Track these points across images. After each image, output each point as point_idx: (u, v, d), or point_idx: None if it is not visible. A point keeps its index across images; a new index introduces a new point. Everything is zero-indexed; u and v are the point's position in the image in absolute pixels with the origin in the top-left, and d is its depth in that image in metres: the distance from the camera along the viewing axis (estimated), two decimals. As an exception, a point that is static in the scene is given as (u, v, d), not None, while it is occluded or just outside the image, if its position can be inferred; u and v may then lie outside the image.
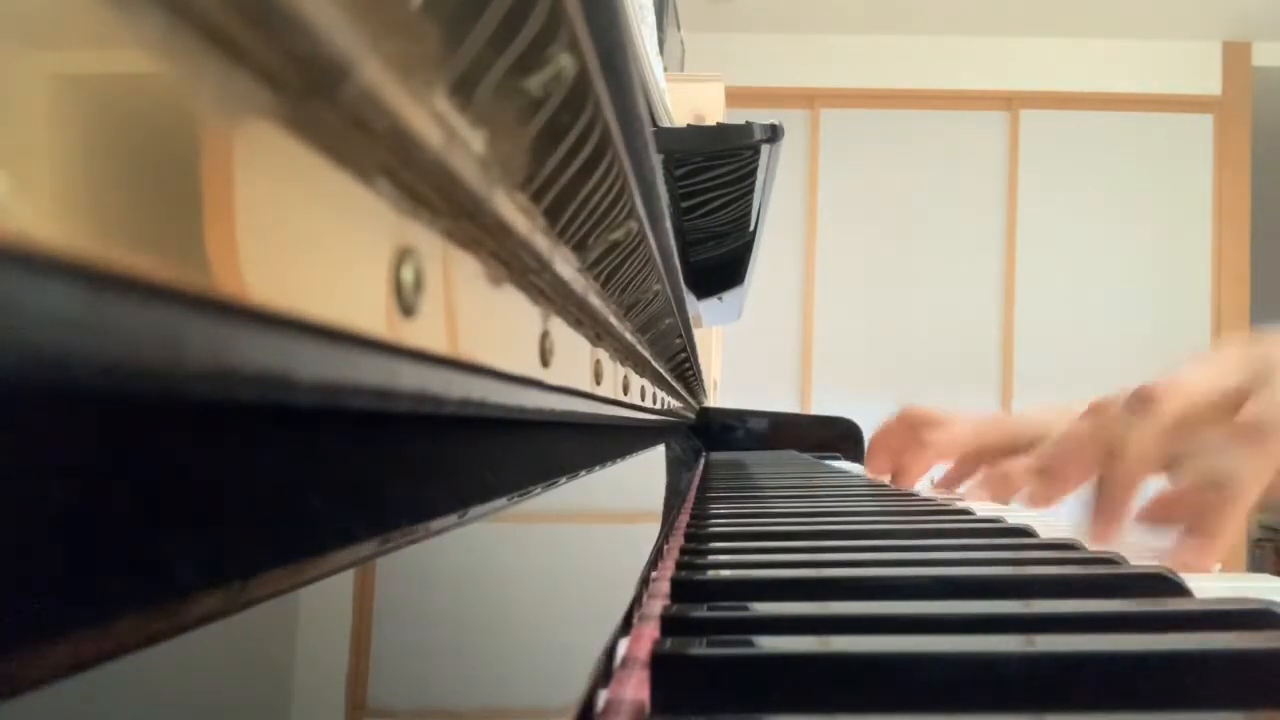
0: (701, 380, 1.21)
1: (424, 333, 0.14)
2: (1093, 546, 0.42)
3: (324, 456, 0.14)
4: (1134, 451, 0.51)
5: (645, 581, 0.37)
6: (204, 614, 0.10)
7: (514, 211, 0.17)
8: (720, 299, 1.19)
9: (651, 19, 0.89)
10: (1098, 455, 0.53)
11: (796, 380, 3.67)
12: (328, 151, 0.11)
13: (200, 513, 0.11)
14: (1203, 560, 0.47)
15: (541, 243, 0.20)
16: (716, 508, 0.60)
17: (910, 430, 0.88)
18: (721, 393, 2.50)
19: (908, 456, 0.87)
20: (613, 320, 0.33)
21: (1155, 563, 0.36)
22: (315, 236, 0.11)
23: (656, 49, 0.96)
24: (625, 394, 0.40)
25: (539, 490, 0.26)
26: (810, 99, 3.72)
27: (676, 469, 0.78)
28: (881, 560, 0.39)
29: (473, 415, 0.20)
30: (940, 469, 0.87)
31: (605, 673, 0.26)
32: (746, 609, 0.30)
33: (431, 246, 0.14)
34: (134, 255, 0.07)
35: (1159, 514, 0.52)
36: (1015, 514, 0.64)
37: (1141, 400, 0.52)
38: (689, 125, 0.76)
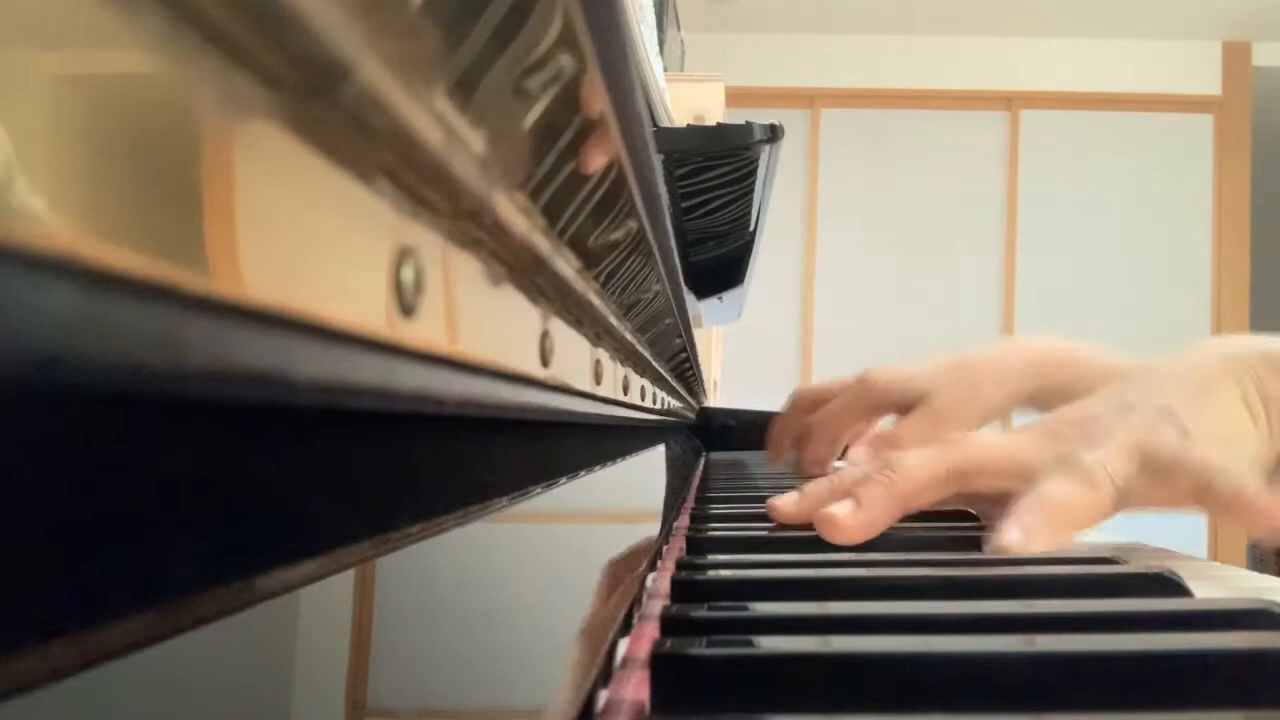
0: (701, 380, 1.21)
1: (424, 333, 0.14)
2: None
3: (324, 456, 0.14)
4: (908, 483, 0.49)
5: (645, 581, 0.37)
6: (204, 614, 0.10)
7: (514, 211, 0.17)
8: (720, 299, 1.19)
9: (651, 19, 0.89)
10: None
11: (796, 380, 3.67)
12: (328, 151, 0.11)
13: (200, 512, 0.11)
14: (838, 532, 0.45)
15: (541, 243, 0.20)
16: (716, 508, 0.60)
17: (803, 414, 0.85)
18: (721, 392, 2.50)
19: (802, 444, 0.83)
20: (613, 320, 0.33)
21: (1158, 563, 0.36)
22: (315, 236, 0.11)
23: (656, 49, 0.96)
24: (625, 394, 0.40)
25: (539, 490, 0.26)
26: (810, 99, 3.72)
27: (676, 469, 0.78)
28: (881, 560, 0.39)
29: (473, 415, 0.20)
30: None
31: (605, 673, 0.26)
32: (746, 609, 0.30)
33: (431, 246, 0.14)
34: (134, 255, 0.07)
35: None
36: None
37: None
38: (689, 125, 0.76)
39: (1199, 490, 0.45)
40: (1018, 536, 0.43)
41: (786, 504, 0.49)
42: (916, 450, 0.49)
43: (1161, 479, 0.46)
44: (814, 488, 0.50)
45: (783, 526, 0.49)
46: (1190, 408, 0.47)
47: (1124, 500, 0.46)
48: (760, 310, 3.34)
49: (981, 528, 0.49)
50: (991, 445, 0.50)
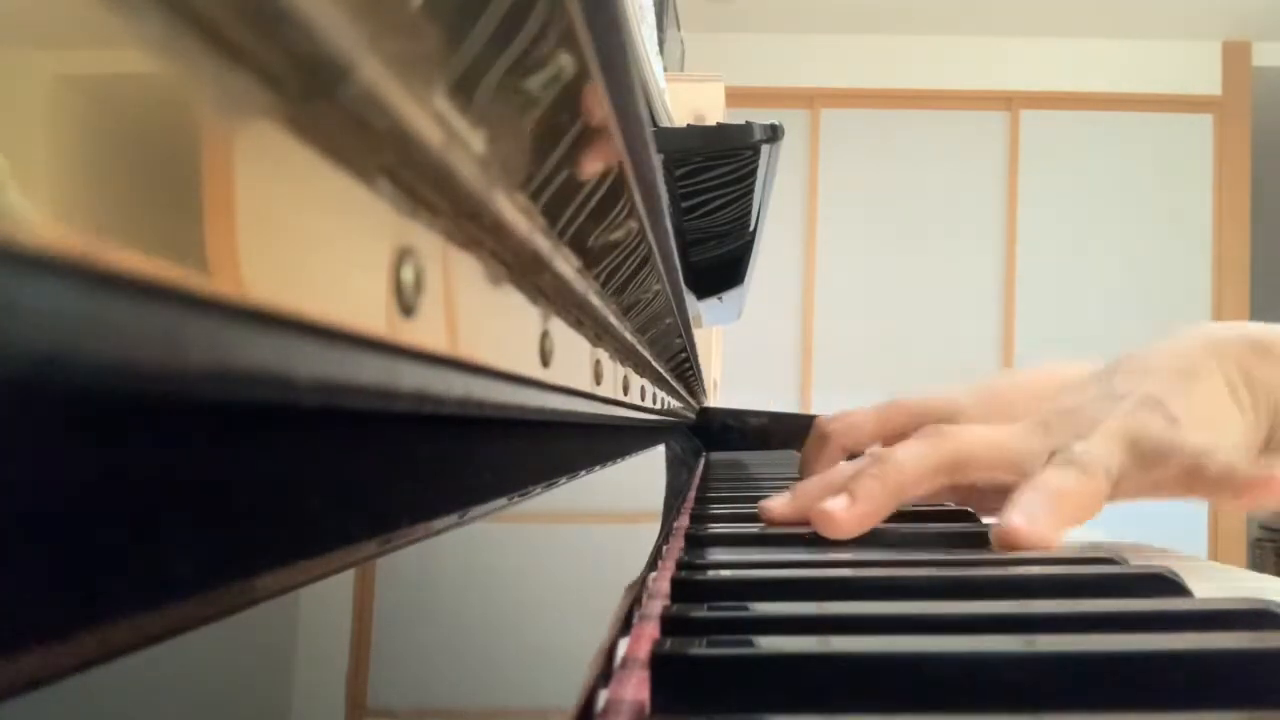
0: (701, 380, 1.21)
1: (424, 333, 0.14)
2: None
3: (324, 456, 0.14)
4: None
5: (645, 581, 0.37)
6: (204, 614, 0.10)
7: (514, 211, 0.17)
8: (720, 299, 1.19)
9: (651, 19, 0.89)
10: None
11: (796, 380, 3.67)
12: (328, 151, 0.11)
13: (200, 512, 0.11)
14: (833, 526, 0.45)
15: (541, 243, 0.20)
16: (716, 508, 0.60)
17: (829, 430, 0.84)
18: (721, 393, 2.50)
19: (814, 455, 0.83)
20: (613, 320, 0.33)
21: (1157, 563, 0.36)
22: (315, 236, 0.11)
23: (656, 49, 0.96)
24: (625, 394, 0.40)
25: (539, 490, 0.26)
26: (810, 99, 3.72)
27: (676, 469, 0.78)
28: (881, 560, 0.39)
29: (473, 415, 0.20)
30: None
31: (605, 673, 0.26)
32: (746, 609, 0.30)
33: (431, 246, 0.14)
34: (134, 255, 0.07)
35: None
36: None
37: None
38: (689, 125, 0.76)
39: (1190, 474, 0.45)
40: (1021, 520, 0.42)
41: (778, 505, 0.49)
42: (908, 443, 0.49)
43: (1152, 465, 0.46)
44: (806, 486, 0.50)
45: (775, 526, 0.49)
46: (1176, 394, 0.47)
47: (1117, 489, 0.46)
48: (760, 310, 3.34)
49: (979, 525, 0.49)
50: (983, 436, 0.50)
